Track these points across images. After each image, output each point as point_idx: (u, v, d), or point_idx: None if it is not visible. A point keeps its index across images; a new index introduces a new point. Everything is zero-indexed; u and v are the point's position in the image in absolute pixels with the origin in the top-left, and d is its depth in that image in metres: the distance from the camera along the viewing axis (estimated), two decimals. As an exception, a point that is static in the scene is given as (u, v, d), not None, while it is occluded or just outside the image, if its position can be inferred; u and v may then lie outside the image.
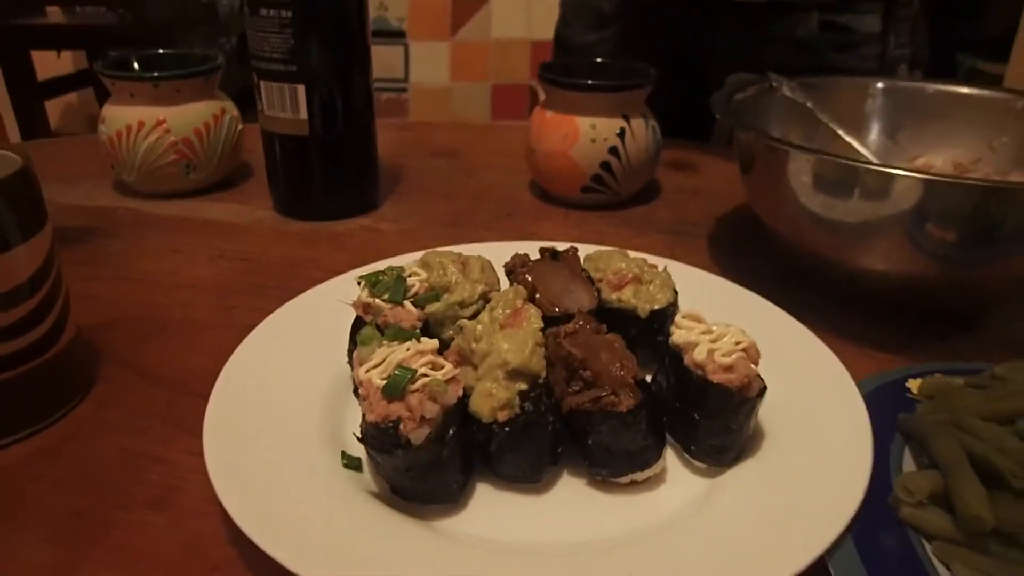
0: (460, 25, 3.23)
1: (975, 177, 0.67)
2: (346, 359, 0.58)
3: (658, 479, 0.50)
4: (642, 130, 0.92)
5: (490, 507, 0.48)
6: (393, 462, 0.45)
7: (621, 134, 0.90)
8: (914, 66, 1.27)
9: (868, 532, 0.44)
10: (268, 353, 0.58)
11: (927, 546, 0.43)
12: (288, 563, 0.39)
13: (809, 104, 0.84)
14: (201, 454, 0.47)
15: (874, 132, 0.90)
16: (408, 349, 0.47)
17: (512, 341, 0.47)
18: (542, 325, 0.50)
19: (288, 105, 0.84)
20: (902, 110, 0.90)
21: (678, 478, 0.50)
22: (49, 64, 2.90)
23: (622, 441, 0.47)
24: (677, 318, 0.54)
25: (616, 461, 0.48)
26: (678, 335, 0.52)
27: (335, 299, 0.61)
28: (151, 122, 0.92)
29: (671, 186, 1.05)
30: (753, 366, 0.49)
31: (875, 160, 0.82)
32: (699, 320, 0.53)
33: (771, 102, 0.87)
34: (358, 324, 0.56)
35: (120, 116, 0.92)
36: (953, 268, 0.64)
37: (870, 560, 0.42)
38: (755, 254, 0.82)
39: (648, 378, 0.54)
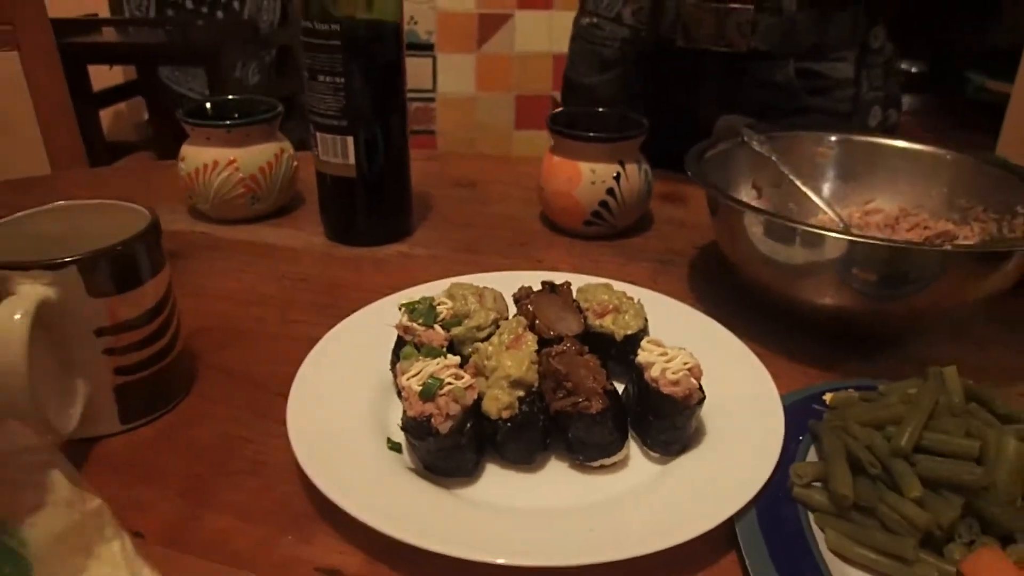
0: (486, 39, 3.41)
1: (883, 238, 0.82)
2: (389, 367, 0.75)
3: (621, 464, 0.66)
4: (635, 173, 1.09)
5: (496, 480, 0.65)
6: (426, 446, 0.62)
7: (617, 177, 1.07)
8: (888, 106, 1.42)
9: (769, 505, 0.60)
10: (330, 361, 0.76)
11: (810, 516, 0.60)
12: (353, 512, 0.57)
13: (773, 158, 0.99)
14: (283, 436, 0.65)
15: (831, 178, 1.06)
16: (438, 363, 0.65)
17: (514, 359, 0.65)
18: (537, 348, 0.67)
19: (339, 152, 1.02)
20: (856, 160, 1.05)
21: (636, 463, 0.67)
22: (101, 75, 3.12)
23: (593, 435, 0.64)
24: (643, 342, 0.70)
25: (589, 450, 0.65)
26: (642, 356, 0.69)
27: (379, 319, 0.79)
28: (224, 162, 1.10)
29: (662, 217, 1.21)
30: (695, 381, 0.66)
31: (827, 207, 0.97)
32: (659, 344, 0.70)
33: (745, 153, 1.03)
34: (399, 342, 0.73)
35: (197, 156, 1.11)
36: (874, 302, 0.80)
37: (766, 525, 0.59)
38: (722, 282, 0.98)
39: (620, 388, 0.72)
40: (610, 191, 1.07)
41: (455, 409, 0.61)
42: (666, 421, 0.65)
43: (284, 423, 0.66)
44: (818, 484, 0.62)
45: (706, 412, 0.67)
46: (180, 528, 0.61)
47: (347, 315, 0.84)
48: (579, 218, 1.10)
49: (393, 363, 0.74)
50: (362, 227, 1.09)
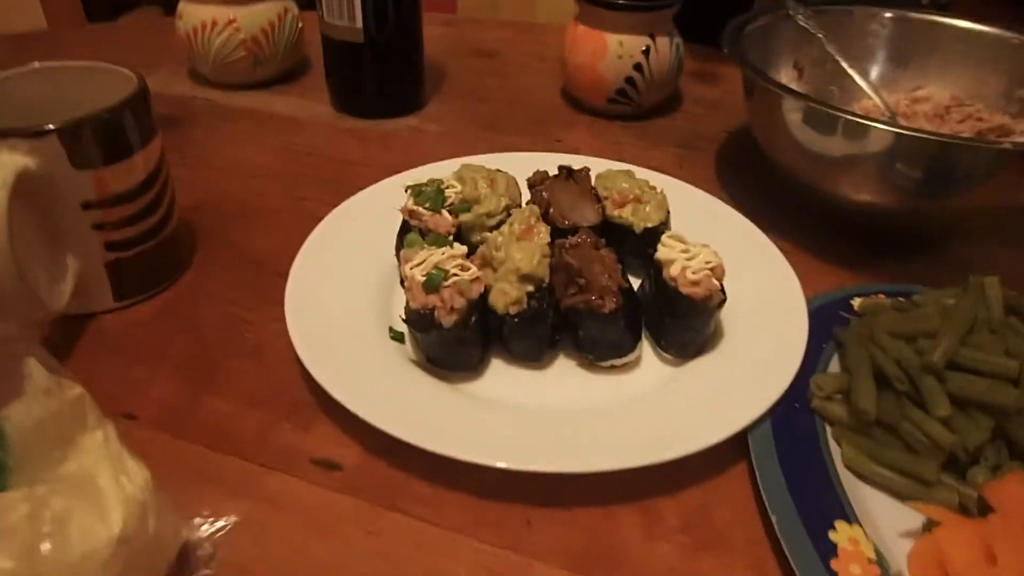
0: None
1: (932, 132, 0.75)
2: (394, 253, 0.71)
3: (633, 365, 0.63)
4: (666, 48, 1.00)
5: (501, 377, 0.62)
6: (428, 339, 0.59)
7: (646, 51, 0.99)
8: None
9: (784, 415, 0.58)
10: (332, 244, 0.72)
11: (828, 430, 0.57)
12: (348, 403, 0.55)
13: (820, 35, 0.90)
14: (282, 321, 0.62)
15: (881, 61, 0.97)
16: (443, 253, 0.61)
17: (524, 252, 0.61)
18: (549, 240, 0.63)
19: (346, 14, 0.94)
20: (909, 41, 0.96)
21: (649, 365, 0.64)
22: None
23: (605, 334, 0.61)
24: (664, 237, 0.66)
25: (600, 349, 0.62)
26: (661, 252, 0.64)
27: (385, 200, 0.74)
28: (223, 21, 1.02)
29: (692, 97, 1.13)
30: (716, 282, 0.62)
31: (873, 92, 0.89)
32: (681, 240, 0.66)
33: (788, 28, 0.94)
34: (405, 226, 0.69)
35: (195, 13, 1.03)
36: (917, 200, 0.74)
37: (780, 436, 0.56)
38: (753, 172, 0.92)
39: (636, 284, 0.68)
40: (637, 67, 0.99)
41: (460, 302, 0.58)
42: (683, 322, 0.62)
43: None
44: (839, 397, 0.58)
45: (725, 313, 0.64)
46: (175, 411, 0.60)
47: (352, 193, 0.80)
48: (603, 95, 1.03)
49: (398, 248, 0.70)
50: (370, 98, 1.02)
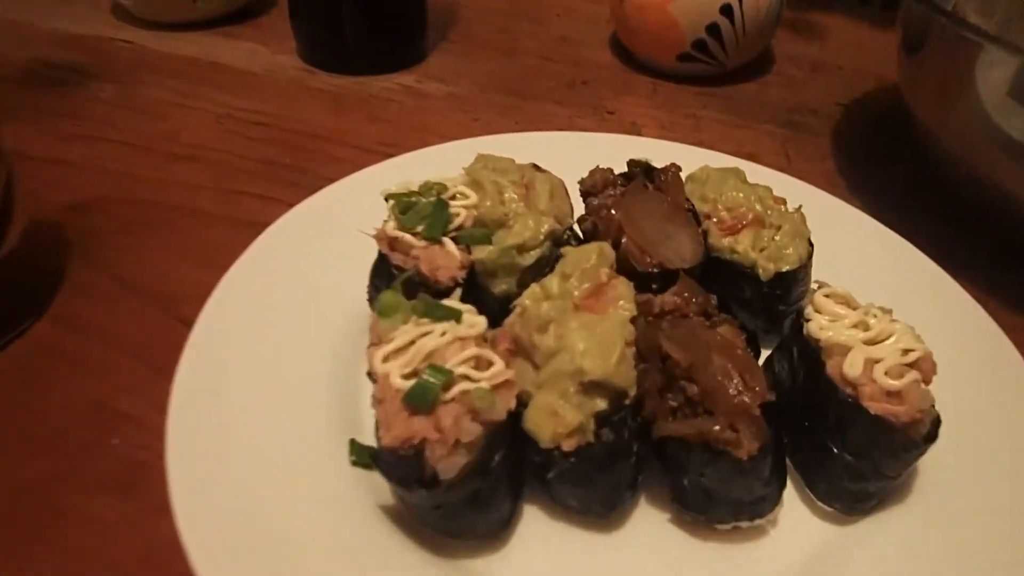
0: None
1: None
2: (367, 303, 0.44)
3: (769, 524, 0.37)
4: (767, -17, 0.71)
5: (541, 546, 0.36)
6: (416, 499, 0.33)
7: (740, -12, 0.70)
8: None
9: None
10: (268, 281, 0.45)
11: None
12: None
13: None
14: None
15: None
16: (444, 333, 0.34)
17: (592, 338, 0.33)
18: (634, 312, 0.35)
19: (314, -78, 0.65)
20: None
21: (794, 524, 0.38)
22: None
23: (733, 489, 0.34)
24: (817, 295, 0.39)
25: (718, 507, 0.35)
26: (819, 324, 0.37)
27: (359, 206, 0.47)
28: (148, -69, 0.73)
29: (786, 55, 0.84)
30: (927, 389, 0.35)
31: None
32: (848, 303, 0.38)
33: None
34: (382, 264, 0.42)
35: (110, -80, 0.74)
36: None
37: None
38: (896, 165, 0.65)
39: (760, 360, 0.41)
40: (726, 9, 0.70)
41: (471, 432, 0.32)
42: (867, 461, 0.35)
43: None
44: None
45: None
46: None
47: (315, 189, 0.53)
48: (673, 48, 0.74)
49: (371, 297, 0.43)
50: (351, 47, 0.73)
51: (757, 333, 0.39)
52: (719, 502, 0.35)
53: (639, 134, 0.68)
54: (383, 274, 0.41)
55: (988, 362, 0.43)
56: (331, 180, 0.56)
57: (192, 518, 0.33)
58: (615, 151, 0.53)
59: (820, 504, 0.38)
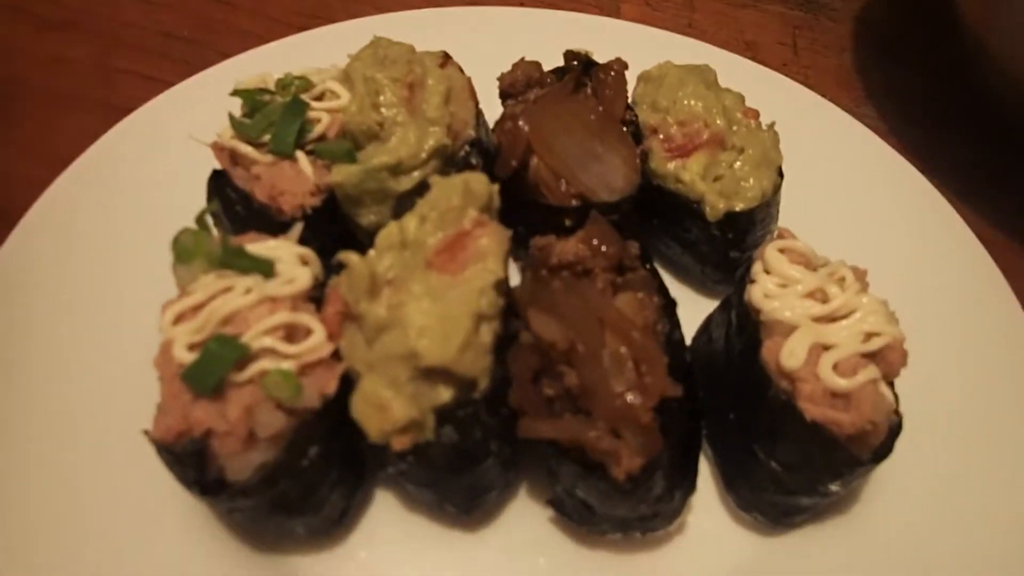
0: None
1: None
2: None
3: (673, 534, 0.30)
4: None
5: (392, 547, 0.29)
6: (202, 501, 0.26)
7: None
8: None
9: None
10: (103, 190, 0.37)
11: None
12: None
13: None
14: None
15: None
16: (249, 292, 0.26)
17: (434, 310, 0.25)
18: (502, 275, 0.27)
19: None
20: None
21: (703, 534, 0.31)
22: None
23: (614, 507, 0.26)
24: (769, 249, 0.30)
25: (601, 521, 0.28)
26: (764, 289, 0.29)
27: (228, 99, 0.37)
28: None
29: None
30: (887, 392, 0.26)
31: None
32: (806, 261, 0.29)
33: None
34: (219, 181, 0.33)
35: None
36: None
37: None
38: (927, 67, 0.53)
39: (696, 326, 0.32)
40: None
41: (271, 424, 0.24)
42: (799, 475, 0.27)
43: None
44: None
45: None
46: None
47: (211, 65, 0.44)
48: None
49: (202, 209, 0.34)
50: None
51: (675, 303, 0.30)
52: (602, 517, 0.27)
53: (617, 9, 0.57)
54: (218, 195, 0.32)
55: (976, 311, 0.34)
56: (224, 58, 0.47)
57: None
58: (567, 35, 0.43)
59: (742, 512, 0.30)
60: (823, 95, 0.50)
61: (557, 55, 0.40)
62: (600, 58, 0.40)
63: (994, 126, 0.48)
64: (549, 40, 0.44)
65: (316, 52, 0.44)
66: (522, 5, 0.55)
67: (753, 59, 0.53)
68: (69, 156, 0.41)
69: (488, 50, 0.41)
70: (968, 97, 0.51)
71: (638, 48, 0.46)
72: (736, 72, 0.44)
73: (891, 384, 0.28)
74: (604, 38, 0.46)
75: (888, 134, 0.49)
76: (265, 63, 0.43)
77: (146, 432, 0.25)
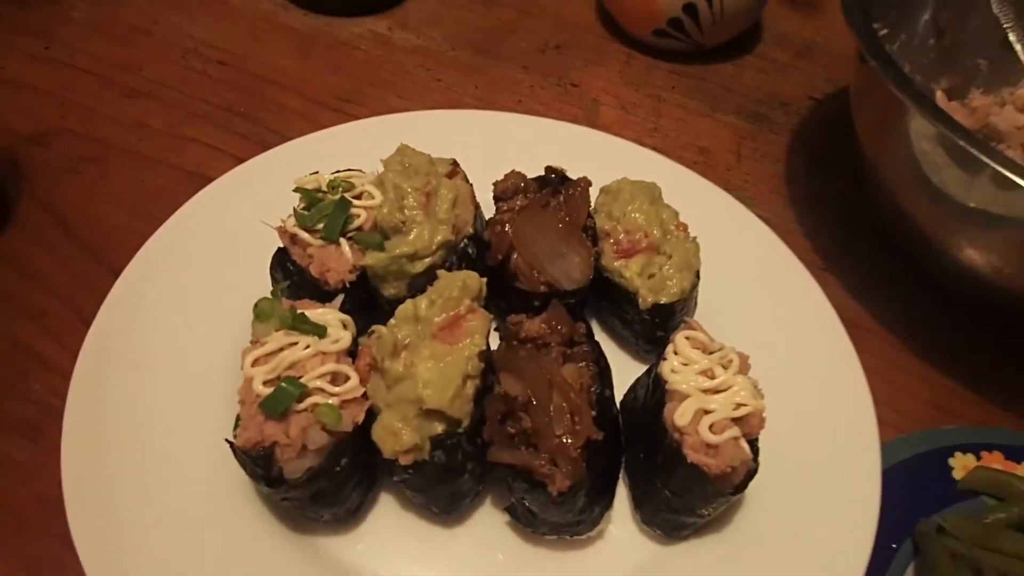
0: None
1: None
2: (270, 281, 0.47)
3: (594, 539, 0.41)
4: (752, -34, 0.69)
5: (389, 534, 0.41)
6: (265, 490, 0.37)
7: (722, -32, 0.68)
8: None
9: None
10: (191, 246, 0.49)
11: None
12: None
13: (1010, 33, 0.59)
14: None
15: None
16: (307, 347, 0.37)
17: (436, 370, 0.36)
18: (484, 347, 0.38)
19: None
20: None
21: (616, 539, 0.42)
22: None
23: (550, 514, 0.38)
24: (679, 337, 0.41)
25: (541, 525, 0.39)
26: (671, 366, 0.40)
27: (291, 172, 0.48)
28: None
29: (775, 35, 0.81)
30: (746, 447, 0.38)
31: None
32: (706, 349, 0.41)
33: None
34: (281, 256, 0.44)
35: None
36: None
37: None
38: (839, 180, 0.64)
39: (627, 386, 0.44)
40: (705, -10, 0.69)
41: (318, 440, 0.36)
42: (681, 499, 0.39)
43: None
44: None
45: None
46: None
47: (265, 141, 0.57)
48: (649, 23, 0.72)
49: (275, 280, 0.46)
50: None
51: (610, 370, 0.42)
52: (542, 521, 0.39)
53: (596, 113, 0.69)
54: (280, 266, 0.44)
55: (832, 394, 0.46)
56: (279, 134, 0.60)
57: (76, 475, 0.38)
58: (551, 141, 0.55)
59: (644, 526, 0.42)
60: (758, 198, 0.62)
61: (543, 157, 0.52)
62: (576, 163, 0.52)
63: (888, 235, 0.59)
64: (537, 144, 0.56)
65: (350, 143, 0.56)
66: (519, 105, 0.68)
67: (705, 163, 0.65)
68: (151, 208, 0.52)
69: (486, 149, 0.53)
70: (868, 208, 0.61)
71: (607, 155, 0.58)
72: (682, 182, 0.56)
73: (755, 440, 0.39)
74: (581, 144, 0.59)
75: (804, 236, 0.60)
76: (316, 146, 0.55)
77: (229, 441, 0.36)
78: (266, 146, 0.57)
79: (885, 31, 0.63)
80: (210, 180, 0.54)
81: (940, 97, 0.66)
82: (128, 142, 0.60)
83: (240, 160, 0.56)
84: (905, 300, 0.57)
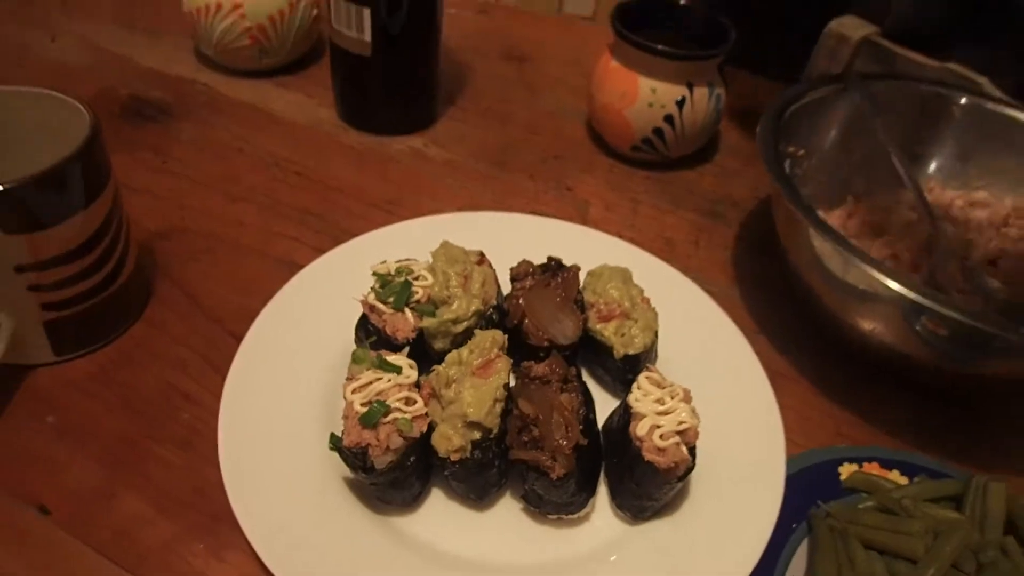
0: None
1: (950, 307, 0.58)
2: (353, 339, 0.66)
3: (583, 519, 0.58)
4: (704, 100, 0.90)
5: (440, 515, 0.58)
6: (359, 477, 0.55)
7: (680, 103, 0.89)
8: None
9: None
10: (290, 315, 0.67)
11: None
12: (261, 551, 0.51)
13: (876, 122, 0.80)
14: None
15: (945, 153, 0.87)
16: (389, 380, 0.55)
17: (475, 395, 0.55)
18: (507, 381, 0.57)
19: (354, 24, 0.85)
20: (980, 134, 0.85)
21: (600, 519, 0.59)
22: None
23: (551, 495, 0.55)
24: (641, 377, 0.59)
25: (545, 505, 0.57)
26: (635, 397, 0.58)
27: (361, 260, 0.67)
28: (228, 5, 0.94)
29: (729, 144, 1.03)
30: (684, 450, 0.56)
31: (918, 191, 0.78)
32: (659, 384, 0.59)
33: (844, 104, 0.84)
34: (364, 320, 0.63)
35: (200, -7, 0.95)
36: (945, 358, 0.65)
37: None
38: (771, 263, 0.83)
39: (609, 410, 0.62)
40: (668, 118, 0.90)
41: (397, 442, 0.53)
42: (641, 488, 0.56)
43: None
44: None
45: (699, 467, 0.57)
46: (88, 506, 0.56)
47: (332, 235, 0.76)
48: (627, 141, 0.94)
49: (358, 338, 0.64)
50: (375, 113, 0.95)
51: (593, 400, 0.60)
52: (546, 502, 0.56)
53: (587, 211, 0.88)
54: (363, 328, 0.63)
55: (755, 422, 0.63)
56: (345, 230, 0.78)
57: (232, 468, 0.56)
58: (552, 235, 0.75)
59: (618, 510, 0.59)
60: (710, 278, 0.80)
61: (545, 248, 0.71)
62: (570, 253, 0.71)
63: (804, 305, 0.77)
64: (541, 238, 0.75)
65: (401, 237, 0.75)
66: (527, 206, 0.87)
67: (670, 251, 0.83)
68: (252, 287, 0.70)
69: (504, 243, 0.72)
70: (792, 285, 0.79)
71: (593, 246, 0.77)
72: (649, 266, 0.75)
73: (693, 447, 0.57)
74: (574, 238, 0.78)
75: (743, 308, 0.78)
76: (378, 239, 0.74)
77: (338, 442, 0.54)
78: (335, 239, 0.76)
79: (802, 151, 0.85)
80: (294, 265, 0.73)
81: (850, 200, 0.86)
82: (231, 236, 0.79)
83: (316, 250, 0.76)
84: (818, 355, 0.74)
